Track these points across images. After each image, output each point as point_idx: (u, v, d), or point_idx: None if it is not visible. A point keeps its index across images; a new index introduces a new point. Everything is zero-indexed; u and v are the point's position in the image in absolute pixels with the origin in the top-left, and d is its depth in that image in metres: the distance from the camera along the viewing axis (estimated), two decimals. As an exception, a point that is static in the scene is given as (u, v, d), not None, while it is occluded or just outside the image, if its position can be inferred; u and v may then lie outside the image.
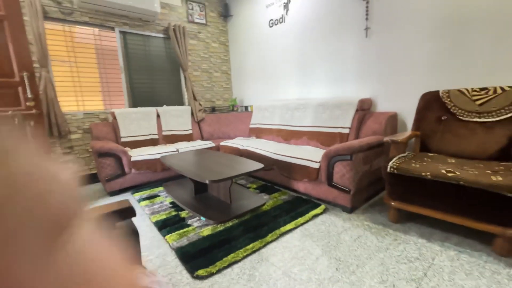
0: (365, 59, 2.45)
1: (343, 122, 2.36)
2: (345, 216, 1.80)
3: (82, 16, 2.91)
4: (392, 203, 1.59)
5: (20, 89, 1.63)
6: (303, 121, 2.78)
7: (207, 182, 1.50)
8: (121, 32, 3.23)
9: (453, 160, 1.56)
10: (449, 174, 1.31)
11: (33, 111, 1.68)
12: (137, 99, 3.52)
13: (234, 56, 4.36)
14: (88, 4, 2.81)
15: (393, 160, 1.60)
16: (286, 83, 3.40)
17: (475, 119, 1.67)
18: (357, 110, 2.33)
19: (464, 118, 1.71)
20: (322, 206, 1.92)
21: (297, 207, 1.93)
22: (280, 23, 3.31)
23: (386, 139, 1.66)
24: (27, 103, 1.68)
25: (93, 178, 3.02)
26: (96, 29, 3.05)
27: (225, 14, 4.19)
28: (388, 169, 1.56)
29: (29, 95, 1.66)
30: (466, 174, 1.29)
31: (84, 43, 2.99)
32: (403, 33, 2.13)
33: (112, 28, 3.17)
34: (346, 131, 2.31)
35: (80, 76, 2.97)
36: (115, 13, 3.09)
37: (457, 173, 1.31)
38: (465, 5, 1.79)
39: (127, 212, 0.59)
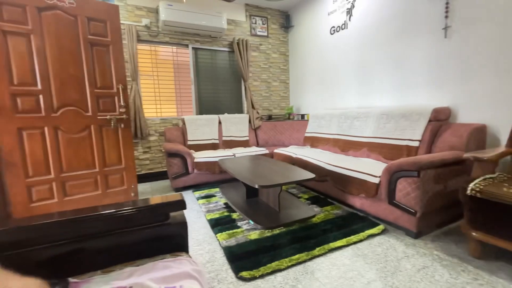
0: (441, 63, 2.13)
1: (412, 133, 2.09)
2: (408, 240, 1.58)
3: (164, 37, 3.47)
4: (473, 234, 1.31)
5: (116, 98, 2.07)
6: (363, 131, 2.58)
7: (256, 186, 1.57)
8: (193, 48, 3.70)
9: None
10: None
11: (124, 116, 2.09)
12: (203, 107, 3.92)
13: (293, 65, 4.41)
14: (169, 27, 3.33)
15: (476, 181, 1.33)
16: (345, 91, 3.23)
17: None
18: (430, 121, 2.04)
19: None
20: (381, 226, 1.73)
21: (351, 224, 1.80)
22: (342, 29, 3.20)
23: (467, 155, 1.40)
24: (120, 110, 2.11)
25: (163, 175, 3.50)
26: (174, 47, 3.58)
27: (287, 25, 4.30)
28: (469, 191, 1.30)
29: (122, 103, 2.08)
30: None
31: (165, 59, 3.55)
32: (494, 29, 1.77)
33: (187, 46, 3.66)
34: (415, 144, 2.04)
35: (160, 88, 3.53)
36: (189, 32, 3.58)
37: None
38: None
39: (179, 205, 0.69)
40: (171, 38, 3.51)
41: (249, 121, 3.89)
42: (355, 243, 1.56)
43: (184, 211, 2.20)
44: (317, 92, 3.83)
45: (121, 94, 2.06)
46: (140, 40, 3.34)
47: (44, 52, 1.75)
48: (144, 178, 3.35)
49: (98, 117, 1.99)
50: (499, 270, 1.24)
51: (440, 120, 2.05)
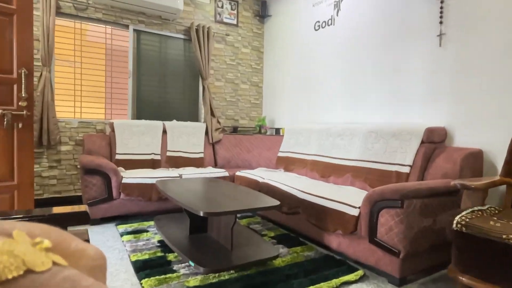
0: (437, 75, 2.46)
1: (402, 157, 2.32)
2: (391, 290, 1.70)
3: (95, 12, 3.50)
4: (460, 278, 1.48)
5: (15, 86, 2.01)
6: (348, 153, 2.79)
7: (201, 214, 1.60)
8: (135, 30, 3.77)
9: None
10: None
11: (24, 112, 2.03)
12: (143, 110, 3.92)
13: (269, 64, 4.67)
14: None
15: (463, 213, 1.52)
16: (329, 102, 3.50)
17: None
18: (422, 142, 2.29)
19: None
20: (359, 272, 1.85)
21: (323, 269, 1.89)
22: (329, 25, 3.53)
23: (454, 182, 1.60)
24: (20, 103, 2.04)
25: (76, 201, 3.34)
26: (109, 27, 3.61)
27: (262, 14, 4.61)
28: (454, 225, 1.49)
29: (23, 94, 2.03)
30: None
31: (94, 42, 3.55)
32: (493, 39, 2.13)
33: (127, 27, 3.72)
34: (406, 169, 2.27)
35: (84, 79, 3.48)
36: (131, 9, 3.66)
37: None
38: None
39: (80, 218, 0.71)
40: (105, 14, 3.56)
41: (206, 133, 3.97)
42: (325, 292, 1.64)
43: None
44: (296, 100, 4.07)
45: (23, 81, 2.02)
46: (60, 13, 3.33)
47: None
48: (46, 204, 3.16)
49: (-18, 110, 1.91)
50: (488, 323, 1.39)
51: (434, 142, 2.31)
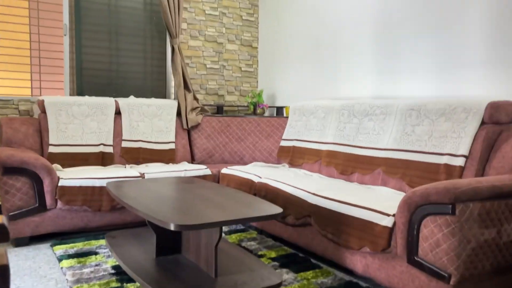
0: (505, 29, 2.45)
1: (455, 144, 2.34)
2: (438, 328, 1.73)
3: None
4: (534, 310, 1.51)
5: None
6: (378, 139, 2.80)
7: (172, 228, 1.60)
8: (73, -32, 3.70)
9: None
10: None
11: None
12: (87, 83, 3.88)
13: (267, 15, 4.63)
14: None
15: (538, 221, 1.54)
16: (352, 70, 3.49)
17: None
18: (483, 123, 2.31)
19: None
20: (395, 304, 1.88)
21: (345, 301, 1.91)
22: (350, -42, 3.50)
23: (526, 178, 1.62)
24: None
25: (-5, 213, 3.33)
26: (35, -37, 3.54)
27: None
28: (526, 239, 1.51)
29: None
30: None
31: (13, -16, 3.48)
32: None
33: (60, -38, 3.65)
34: (459, 162, 2.28)
35: (-1, 38, 3.43)
36: None
37: None
38: None
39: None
40: None
41: (178, 114, 3.95)
42: (347, 333, 1.67)
43: (30, 281, 2.14)
44: (305, 67, 4.06)
45: None
46: None
47: None
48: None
49: None
50: None
51: (499, 122, 2.32)
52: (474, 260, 1.75)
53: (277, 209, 1.88)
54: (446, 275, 1.71)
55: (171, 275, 1.97)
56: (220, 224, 1.67)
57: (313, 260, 2.48)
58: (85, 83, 3.88)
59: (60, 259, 2.42)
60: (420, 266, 1.80)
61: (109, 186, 2.43)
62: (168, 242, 2.25)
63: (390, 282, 1.96)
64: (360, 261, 2.12)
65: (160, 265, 2.11)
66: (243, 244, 2.75)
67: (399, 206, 1.89)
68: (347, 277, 2.24)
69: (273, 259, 2.46)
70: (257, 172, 3.11)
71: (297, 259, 2.47)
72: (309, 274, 2.25)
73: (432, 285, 1.77)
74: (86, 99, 3.50)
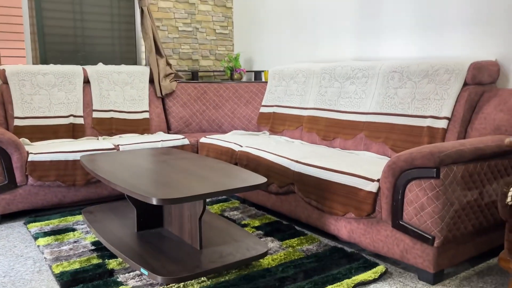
0: (488, -16, 2.47)
1: (438, 106, 2.39)
2: (422, 289, 1.83)
3: None
4: (515, 268, 1.60)
5: None
6: (360, 103, 2.83)
7: (154, 202, 1.61)
8: None
9: None
10: None
11: None
12: (51, 50, 3.75)
13: (240, -27, 4.50)
14: None
15: (520, 181, 1.61)
16: (334, 31, 3.47)
17: None
18: (466, 84, 2.36)
19: None
20: (379, 268, 1.96)
21: (330, 266, 1.99)
22: None
23: (509, 139, 1.68)
24: None
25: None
26: None
27: None
28: (509, 199, 1.58)
29: None
30: None
31: None
32: None
33: None
34: (442, 124, 2.34)
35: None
36: None
37: None
38: None
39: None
40: None
41: (151, 82, 3.88)
42: (334, 298, 1.74)
43: (6, 261, 2.13)
44: (284, 31, 4.01)
45: None
46: None
47: None
48: None
49: None
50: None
51: (481, 83, 2.38)
52: (457, 221, 1.83)
53: (262, 179, 1.91)
54: (430, 237, 1.78)
55: (154, 249, 2.00)
56: (204, 196, 1.69)
57: (297, 227, 2.54)
58: (48, 51, 3.75)
59: (35, 237, 2.40)
60: (405, 230, 1.87)
61: (83, 159, 2.40)
62: (149, 216, 2.27)
63: (375, 247, 2.04)
64: (344, 227, 2.18)
65: (142, 239, 2.13)
66: (226, 214, 2.79)
67: (383, 171, 1.94)
68: (332, 243, 2.32)
69: (257, 228, 2.51)
70: (238, 140, 3.12)
71: (281, 227, 2.52)
72: (294, 241, 2.31)
73: (417, 247, 1.85)
74: (51, 67, 3.39)
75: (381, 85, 2.75)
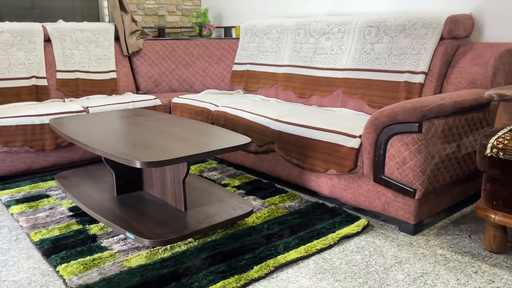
0: None
1: (414, 61, 2.41)
2: (402, 239, 1.91)
3: None
4: (492, 216, 1.69)
5: None
6: (337, 59, 2.82)
7: (137, 165, 1.57)
8: None
9: None
10: None
11: None
12: (4, 6, 3.51)
13: None
14: None
15: (499, 134, 1.67)
16: (307, -19, 3.40)
17: None
18: (442, 39, 2.38)
19: None
20: (361, 221, 2.03)
21: (313, 222, 2.03)
22: None
23: (489, 93, 1.73)
24: None
25: None
26: None
27: None
28: (488, 150, 1.64)
29: None
30: None
31: None
32: None
33: None
34: (419, 79, 2.38)
35: None
36: None
37: None
38: None
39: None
40: None
41: (117, 40, 3.72)
42: (319, 251, 1.79)
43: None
44: (254, -18, 3.89)
45: None
46: None
47: None
48: None
49: None
50: (521, 266, 1.65)
51: (457, 37, 2.41)
52: (436, 174, 1.90)
53: (245, 139, 1.89)
54: (411, 190, 1.84)
55: (136, 212, 1.98)
56: (188, 158, 1.66)
57: (277, 185, 2.57)
58: (2, 6, 3.50)
59: (8, 205, 2.32)
60: (386, 184, 1.93)
61: (54, 123, 2.31)
62: (128, 179, 2.23)
63: (356, 201, 2.10)
64: (326, 183, 2.22)
65: (123, 203, 2.10)
66: (205, 174, 2.78)
67: (365, 127, 1.96)
68: (313, 199, 2.36)
69: (238, 187, 2.52)
70: (212, 100, 3.07)
71: (261, 186, 2.55)
72: (276, 199, 2.34)
73: (398, 200, 1.91)
74: (7, 25, 3.18)
75: (357, 41, 2.74)
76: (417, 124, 1.79)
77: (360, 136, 2.02)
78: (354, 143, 2.02)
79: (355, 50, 2.73)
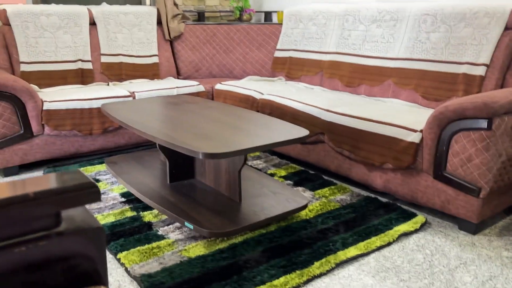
0: None
1: (475, 52, 2.31)
2: (463, 238, 1.85)
3: None
4: None
5: None
6: (388, 48, 2.74)
7: (200, 156, 1.55)
8: None
9: None
10: None
11: None
12: (51, -12, 3.52)
13: None
14: None
15: None
16: (356, -35, 3.29)
17: None
18: (506, 29, 2.27)
19: None
20: (419, 218, 1.97)
21: (369, 217, 1.99)
22: None
23: None
24: None
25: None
26: None
27: None
28: None
29: None
30: None
31: None
32: None
33: None
34: (480, 71, 2.28)
35: None
36: None
37: None
38: None
39: (84, 194, 0.64)
40: None
41: (159, 23, 3.70)
42: (379, 248, 1.75)
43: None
44: (298, -35, 3.80)
45: None
46: None
47: None
48: None
49: None
50: None
51: (522, 28, 2.30)
52: (502, 172, 1.83)
53: (303, 131, 1.85)
54: (476, 188, 1.78)
55: (192, 201, 1.97)
56: (250, 151, 1.64)
57: (325, 177, 2.53)
58: (48, -11, 3.52)
59: (60, 189, 2.35)
60: (448, 181, 1.87)
61: (107, 109, 2.31)
62: (181, 166, 2.22)
63: (413, 197, 2.04)
64: (380, 177, 2.17)
65: (176, 190, 2.09)
66: (249, 163, 2.76)
67: (428, 121, 1.90)
68: (364, 193, 2.32)
69: (285, 178, 2.49)
70: (256, 87, 3.02)
71: (308, 177, 2.51)
72: (326, 191, 2.30)
73: (460, 198, 1.85)
74: (54, 7, 3.18)
75: (411, 29, 2.64)
76: (487, 120, 1.71)
77: (421, 131, 1.96)
78: (414, 138, 1.96)
79: (409, 39, 2.64)
